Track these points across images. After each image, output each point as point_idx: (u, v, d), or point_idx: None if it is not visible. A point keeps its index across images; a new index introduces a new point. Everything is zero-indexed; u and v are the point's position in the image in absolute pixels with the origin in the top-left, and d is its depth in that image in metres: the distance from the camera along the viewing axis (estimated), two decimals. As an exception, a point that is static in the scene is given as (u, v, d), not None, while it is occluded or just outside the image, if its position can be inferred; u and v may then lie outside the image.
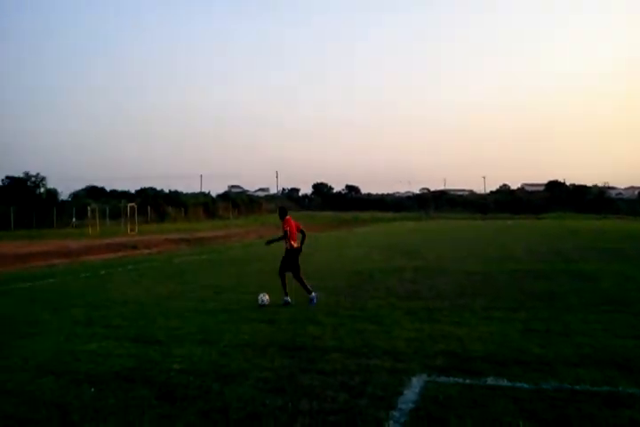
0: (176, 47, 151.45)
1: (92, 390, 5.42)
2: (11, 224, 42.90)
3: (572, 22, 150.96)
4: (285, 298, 10.19)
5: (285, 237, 10.40)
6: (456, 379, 5.66)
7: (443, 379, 5.66)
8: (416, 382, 5.54)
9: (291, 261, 10.42)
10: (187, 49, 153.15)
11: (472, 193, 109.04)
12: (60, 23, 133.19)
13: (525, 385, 5.43)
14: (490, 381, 5.58)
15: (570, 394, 5.14)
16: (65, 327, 8.36)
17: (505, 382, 5.51)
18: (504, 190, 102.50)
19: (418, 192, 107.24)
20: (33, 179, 50.32)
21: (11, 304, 10.62)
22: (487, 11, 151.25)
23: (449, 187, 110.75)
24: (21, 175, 52.36)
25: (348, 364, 6.19)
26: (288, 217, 10.66)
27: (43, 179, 50.36)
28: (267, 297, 10.05)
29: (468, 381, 5.60)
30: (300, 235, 10.76)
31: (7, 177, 54.17)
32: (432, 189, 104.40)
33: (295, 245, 10.51)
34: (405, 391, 5.27)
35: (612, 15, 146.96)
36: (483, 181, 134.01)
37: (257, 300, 10.01)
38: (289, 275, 10.42)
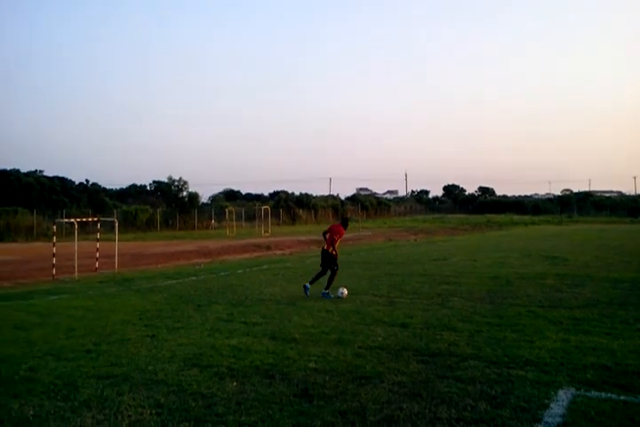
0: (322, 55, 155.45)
1: (235, 383, 5.65)
2: (157, 225, 46.34)
3: None
4: (327, 292, 11.48)
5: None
6: (609, 394, 5.23)
7: (594, 393, 5.25)
8: (563, 396, 5.19)
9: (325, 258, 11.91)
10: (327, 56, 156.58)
11: (621, 194, 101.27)
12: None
13: (691, 406, 4.88)
14: (648, 398, 5.09)
15: None
16: (208, 323, 8.82)
17: (666, 402, 5.00)
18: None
19: (559, 194, 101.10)
20: (176, 183, 53.90)
21: (160, 300, 11.39)
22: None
23: (594, 188, 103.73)
24: (165, 180, 56.36)
25: (487, 373, 5.93)
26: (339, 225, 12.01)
27: (185, 183, 53.80)
28: (345, 291, 11.25)
29: (622, 397, 5.15)
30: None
31: (154, 181, 58.60)
32: (575, 190, 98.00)
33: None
34: (552, 405, 4.95)
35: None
36: (633, 181, 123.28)
37: (337, 293, 11.22)
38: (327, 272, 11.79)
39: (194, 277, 15.48)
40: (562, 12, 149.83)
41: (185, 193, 53.60)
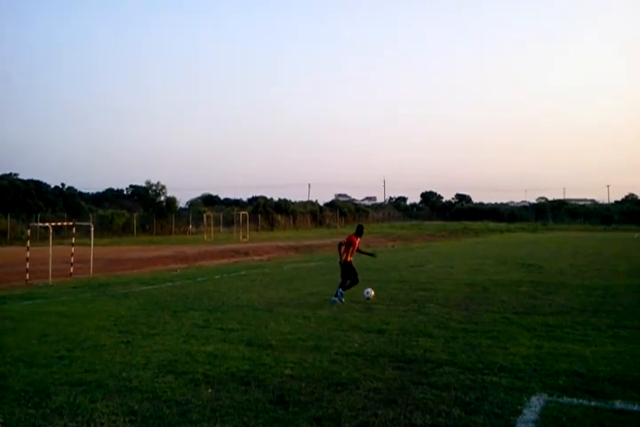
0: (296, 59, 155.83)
1: (210, 390, 5.62)
2: (133, 230, 45.88)
3: None
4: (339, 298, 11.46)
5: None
6: (580, 400, 5.31)
7: (566, 399, 5.33)
8: (536, 402, 5.25)
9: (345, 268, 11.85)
10: (301, 59, 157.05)
11: (594, 203, 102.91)
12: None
13: (659, 412, 4.98)
14: (618, 404, 5.19)
15: None
16: (183, 329, 8.76)
17: (635, 407, 5.11)
18: (631, 200, 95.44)
19: (534, 202, 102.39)
20: (154, 187, 53.42)
21: (134, 306, 11.27)
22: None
23: (568, 196, 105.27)
24: (143, 184, 55.85)
25: (462, 379, 5.99)
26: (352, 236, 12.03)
27: (163, 187, 53.33)
28: (372, 292, 11.43)
29: (593, 403, 5.24)
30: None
31: (131, 185, 58.07)
32: (550, 198, 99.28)
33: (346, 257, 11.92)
34: (525, 411, 5.02)
35: None
36: (606, 190, 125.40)
37: (363, 294, 11.36)
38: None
39: (170, 283, 15.36)
40: (537, 23, 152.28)
41: (162, 198, 53.13)
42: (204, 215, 46.49)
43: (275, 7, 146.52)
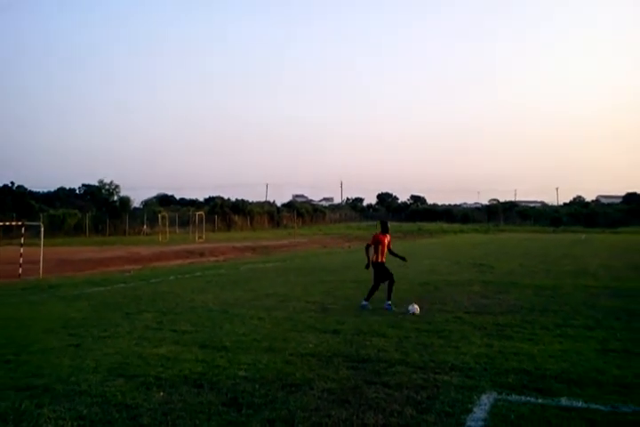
0: (255, 60, 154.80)
1: (162, 393, 5.53)
2: (86, 230, 44.84)
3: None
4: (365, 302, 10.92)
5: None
6: (528, 398, 5.45)
7: (514, 397, 5.46)
8: (486, 400, 5.36)
9: (384, 273, 11.11)
10: (259, 60, 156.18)
11: (544, 205, 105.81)
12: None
13: (602, 407, 5.16)
14: (564, 401, 5.34)
15: (652, 419, 4.85)
16: (136, 331, 8.61)
17: (580, 404, 5.26)
18: (578, 202, 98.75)
19: (487, 203, 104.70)
20: (107, 186, 52.38)
21: (85, 308, 11.02)
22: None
23: (519, 198, 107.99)
24: (96, 183, 54.70)
25: (414, 378, 6.07)
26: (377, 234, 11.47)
27: (116, 186, 52.40)
28: (416, 308, 10.20)
29: (540, 400, 5.38)
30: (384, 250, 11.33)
31: (83, 185, 56.78)
32: (502, 200, 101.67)
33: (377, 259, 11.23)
34: (475, 409, 5.11)
35: None
36: (555, 192, 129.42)
37: (407, 310, 10.19)
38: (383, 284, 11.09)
39: (123, 284, 15.07)
40: (483, 38, 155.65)
41: (116, 197, 52.19)
42: (159, 215, 45.82)
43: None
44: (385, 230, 11.42)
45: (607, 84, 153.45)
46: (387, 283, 11.01)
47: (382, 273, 11.08)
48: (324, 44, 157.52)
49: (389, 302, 10.77)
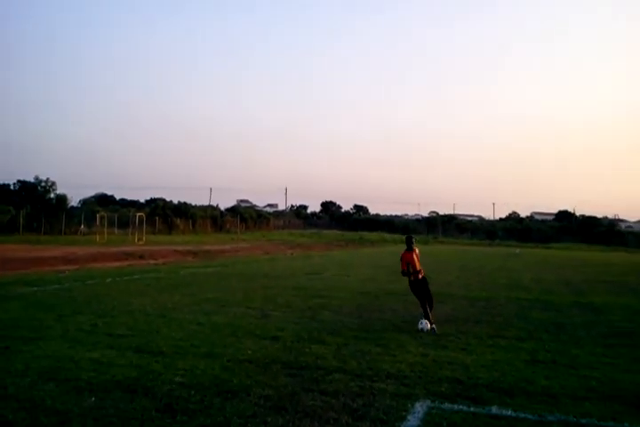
0: (196, 58, 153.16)
1: (93, 398, 5.39)
2: (20, 228, 43.13)
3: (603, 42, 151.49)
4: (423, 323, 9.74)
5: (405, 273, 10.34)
6: (460, 406, 5.60)
7: (447, 406, 5.60)
8: (419, 408, 5.48)
9: (416, 290, 10.25)
10: (203, 59, 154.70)
11: (481, 219, 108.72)
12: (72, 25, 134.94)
13: (530, 416, 5.36)
14: (494, 410, 5.52)
15: (575, 428, 5.07)
16: (68, 334, 8.35)
17: (509, 412, 5.45)
18: (513, 218, 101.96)
19: (426, 215, 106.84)
20: (43, 184, 50.57)
21: (16, 309, 10.62)
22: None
23: (458, 211, 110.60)
24: (32, 179, 52.69)
25: (351, 386, 6.13)
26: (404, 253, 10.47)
27: (53, 184, 50.59)
28: (428, 325, 9.59)
29: (472, 409, 5.54)
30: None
31: (18, 181, 54.62)
32: (441, 212, 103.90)
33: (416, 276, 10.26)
34: (409, 417, 5.22)
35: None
36: (492, 207, 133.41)
37: (418, 325, 9.63)
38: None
39: (57, 285, 14.59)
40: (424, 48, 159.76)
41: (52, 195, 50.38)
42: (98, 215, 44.56)
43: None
44: (409, 248, 10.45)
45: (540, 107, 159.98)
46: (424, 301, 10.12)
47: (422, 290, 10.17)
48: (277, 46, 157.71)
49: (427, 321, 9.72)
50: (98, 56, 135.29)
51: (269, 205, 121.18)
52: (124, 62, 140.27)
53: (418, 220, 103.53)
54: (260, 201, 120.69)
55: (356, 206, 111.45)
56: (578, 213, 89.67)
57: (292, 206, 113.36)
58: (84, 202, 66.56)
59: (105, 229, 41.76)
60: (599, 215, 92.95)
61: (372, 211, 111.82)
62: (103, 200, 76.18)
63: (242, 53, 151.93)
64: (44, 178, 50.41)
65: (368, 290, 15.34)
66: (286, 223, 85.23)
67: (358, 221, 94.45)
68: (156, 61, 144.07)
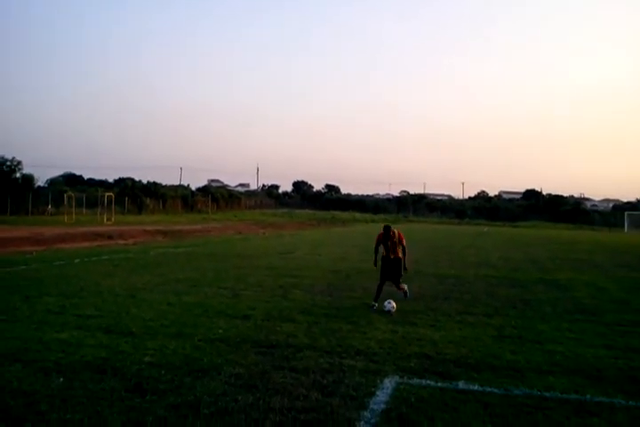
0: (161, 33, 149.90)
1: (61, 379, 5.34)
2: (-16, 209, 42.14)
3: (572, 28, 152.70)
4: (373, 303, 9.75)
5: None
6: (428, 382, 5.70)
7: (415, 381, 5.70)
8: (388, 384, 5.57)
9: (389, 269, 10.17)
10: (169, 34, 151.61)
11: (450, 198, 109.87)
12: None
13: (496, 390, 5.48)
14: (461, 385, 5.63)
15: (539, 401, 5.21)
16: (36, 315, 8.23)
17: (476, 387, 5.56)
18: (482, 197, 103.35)
19: (397, 195, 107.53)
20: (8, 163, 49.28)
21: (-19, 290, 10.41)
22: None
23: (428, 191, 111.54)
24: (-4, 159, 51.31)
25: (321, 363, 6.19)
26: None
27: (19, 163, 49.31)
28: (394, 305, 9.28)
29: (439, 384, 5.64)
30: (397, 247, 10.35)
31: (-18, 160, 53.13)
32: (412, 192, 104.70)
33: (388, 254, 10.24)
34: (378, 392, 5.29)
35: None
36: (461, 186, 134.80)
37: (384, 306, 9.29)
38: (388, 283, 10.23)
39: (24, 266, 14.33)
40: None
41: (18, 174, 49.15)
42: (66, 195, 43.72)
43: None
44: (387, 236, 10.25)
45: (511, 85, 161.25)
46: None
47: (388, 270, 10.15)
48: (237, 30, 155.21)
49: (392, 301, 9.50)
50: (66, 35, 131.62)
51: (241, 185, 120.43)
52: (90, 40, 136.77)
53: (389, 199, 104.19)
54: (231, 181, 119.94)
55: (327, 186, 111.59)
56: (545, 192, 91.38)
57: (264, 186, 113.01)
58: (52, 182, 65.28)
59: (73, 210, 41.07)
60: (565, 194, 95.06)
61: (344, 191, 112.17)
62: (71, 180, 74.81)
63: (209, 30, 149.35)
64: (10, 157, 49.11)
65: (339, 269, 15.44)
66: (258, 203, 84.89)
67: (330, 201, 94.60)
68: (121, 37, 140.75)
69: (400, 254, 10.28)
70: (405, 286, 10.58)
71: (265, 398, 5.01)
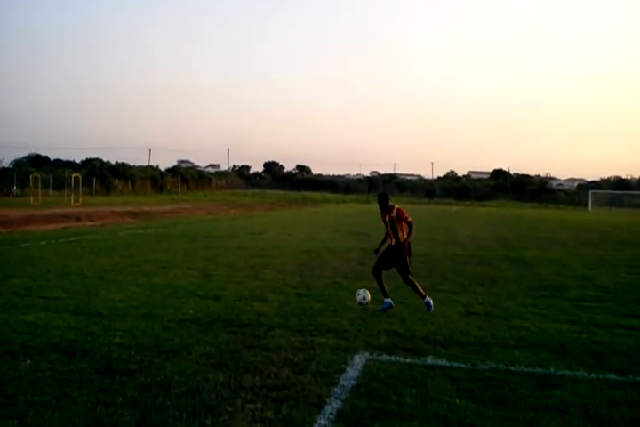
0: (138, 17, 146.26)
1: (29, 361, 5.28)
2: (-54, 190, 41.02)
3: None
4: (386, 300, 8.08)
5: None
6: (397, 358, 5.79)
7: (385, 357, 5.78)
8: (358, 360, 5.64)
9: (387, 257, 8.36)
10: (139, 18, 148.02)
11: (420, 178, 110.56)
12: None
13: (463, 365, 5.60)
14: (429, 360, 5.74)
15: (505, 375, 5.34)
16: (1, 298, 8.09)
17: (444, 362, 5.68)
18: (451, 177, 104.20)
19: (368, 175, 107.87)
20: (-29, 144, 48.05)
21: (-57, 273, 10.17)
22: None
23: (398, 171, 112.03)
24: (-41, 140, 49.93)
25: (292, 341, 6.24)
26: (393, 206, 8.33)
27: (-18, 144, 48.14)
28: (368, 296, 8.05)
29: (408, 360, 5.74)
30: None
31: (-56, 141, 51.55)
32: (382, 172, 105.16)
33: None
34: (348, 369, 5.36)
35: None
36: (431, 166, 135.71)
37: (356, 295, 8.14)
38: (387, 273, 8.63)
39: (-13, 249, 14.01)
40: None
41: (-19, 155, 47.92)
42: (31, 177, 42.71)
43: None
44: (383, 208, 8.40)
45: (480, 67, 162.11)
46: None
47: (385, 258, 8.39)
48: (210, 18, 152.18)
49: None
50: (33, 18, 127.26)
51: (211, 166, 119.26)
52: (55, 20, 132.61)
53: (359, 180, 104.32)
54: (201, 162, 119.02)
55: (298, 167, 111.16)
56: (512, 172, 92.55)
57: (235, 167, 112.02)
58: (16, 163, 63.84)
59: (39, 191, 40.18)
60: (532, 174, 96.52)
61: (315, 171, 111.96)
62: (37, 161, 73.08)
63: (184, 10, 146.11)
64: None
65: (310, 248, 15.47)
66: (229, 184, 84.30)
67: (301, 182, 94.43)
68: (90, 18, 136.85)
69: (402, 239, 8.34)
70: (429, 298, 8.09)
71: (236, 377, 5.03)
